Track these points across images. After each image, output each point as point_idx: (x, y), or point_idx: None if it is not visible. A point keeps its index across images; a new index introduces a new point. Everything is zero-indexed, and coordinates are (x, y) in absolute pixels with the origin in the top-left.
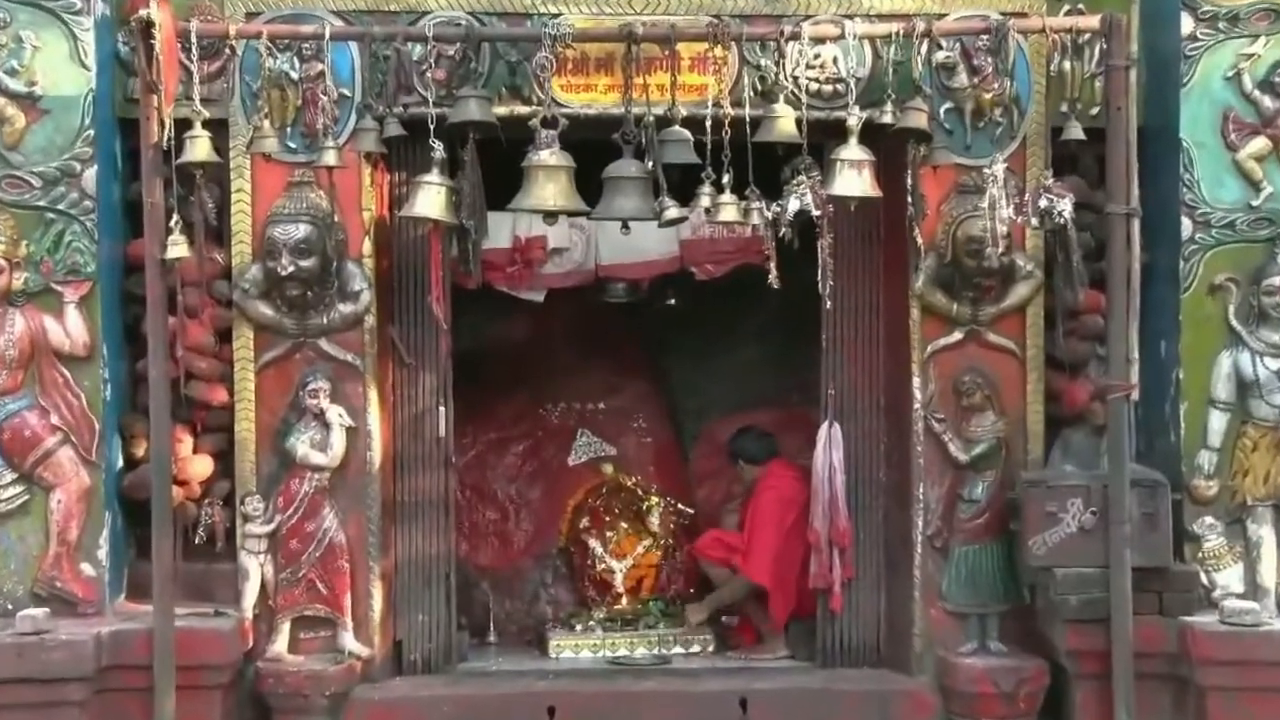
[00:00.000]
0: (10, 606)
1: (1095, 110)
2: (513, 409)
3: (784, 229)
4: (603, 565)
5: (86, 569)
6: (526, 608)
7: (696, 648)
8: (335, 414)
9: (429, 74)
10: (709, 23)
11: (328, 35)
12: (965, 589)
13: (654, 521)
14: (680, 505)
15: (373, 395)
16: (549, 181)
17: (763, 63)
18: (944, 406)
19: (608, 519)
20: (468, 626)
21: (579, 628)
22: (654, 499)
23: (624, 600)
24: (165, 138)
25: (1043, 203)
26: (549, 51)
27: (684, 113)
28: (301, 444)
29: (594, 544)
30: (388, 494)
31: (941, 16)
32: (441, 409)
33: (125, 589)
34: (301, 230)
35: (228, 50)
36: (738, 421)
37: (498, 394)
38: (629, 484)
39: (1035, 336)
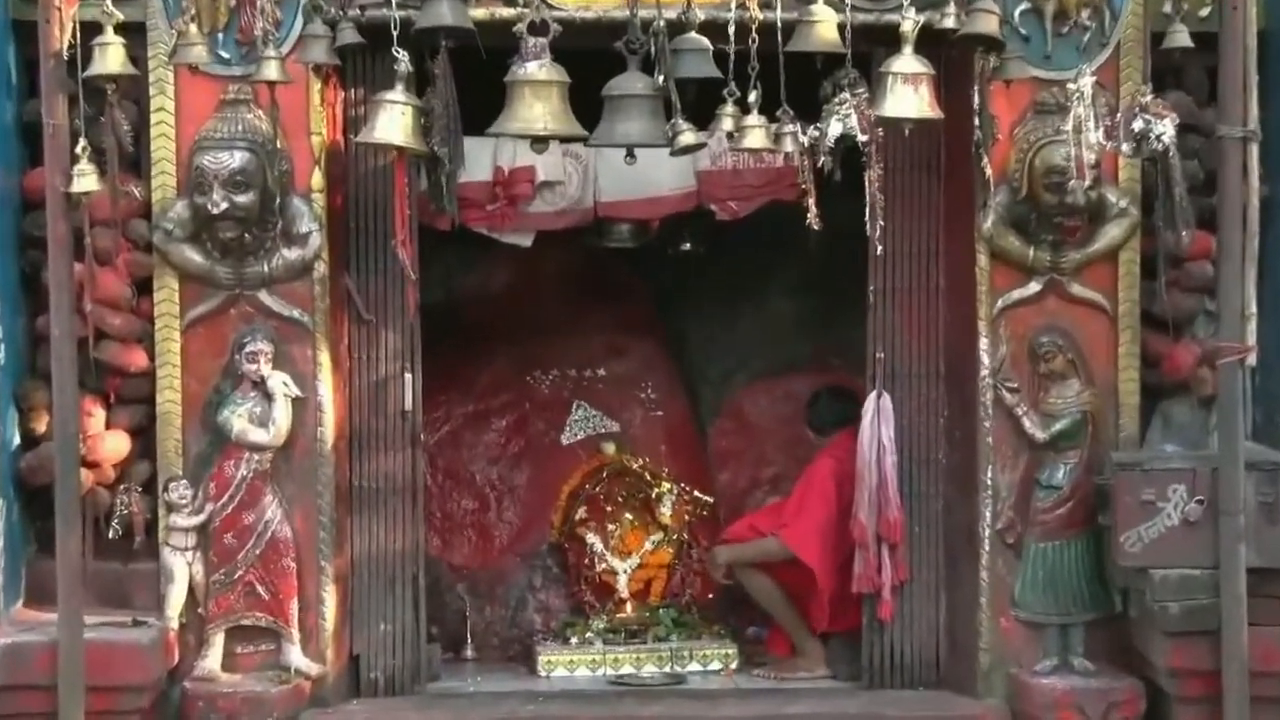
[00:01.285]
0: None
1: (1205, 11)
2: (494, 376)
3: (823, 158)
4: (603, 565)
5: None
6: (511, 616)
7: (716, 664)
8: (279, 382)
9: None
10: None
11: None
12: (1043, 594)
13: (665, 512)
14: (697, 493)
15: (324, 359)
16: (537, 100)
17: None
18: (1017, 373)
19: (609, 509)
20: (440, 638)
21: (574, 640)
22: (665, 485)
23: (629, 607)
24: (69, 45)
25: (1139, 125)
26: None
27: (701, 16)
28: (238, 418)
29: (593, 539)
30: (343, 478)
31: None
32: (408, 376)
33: (23, 593)
34: (237, 159)
35: None
36: (766, 390)
37: (476, 358)
38: (635, 467)
39: (1129, 288)
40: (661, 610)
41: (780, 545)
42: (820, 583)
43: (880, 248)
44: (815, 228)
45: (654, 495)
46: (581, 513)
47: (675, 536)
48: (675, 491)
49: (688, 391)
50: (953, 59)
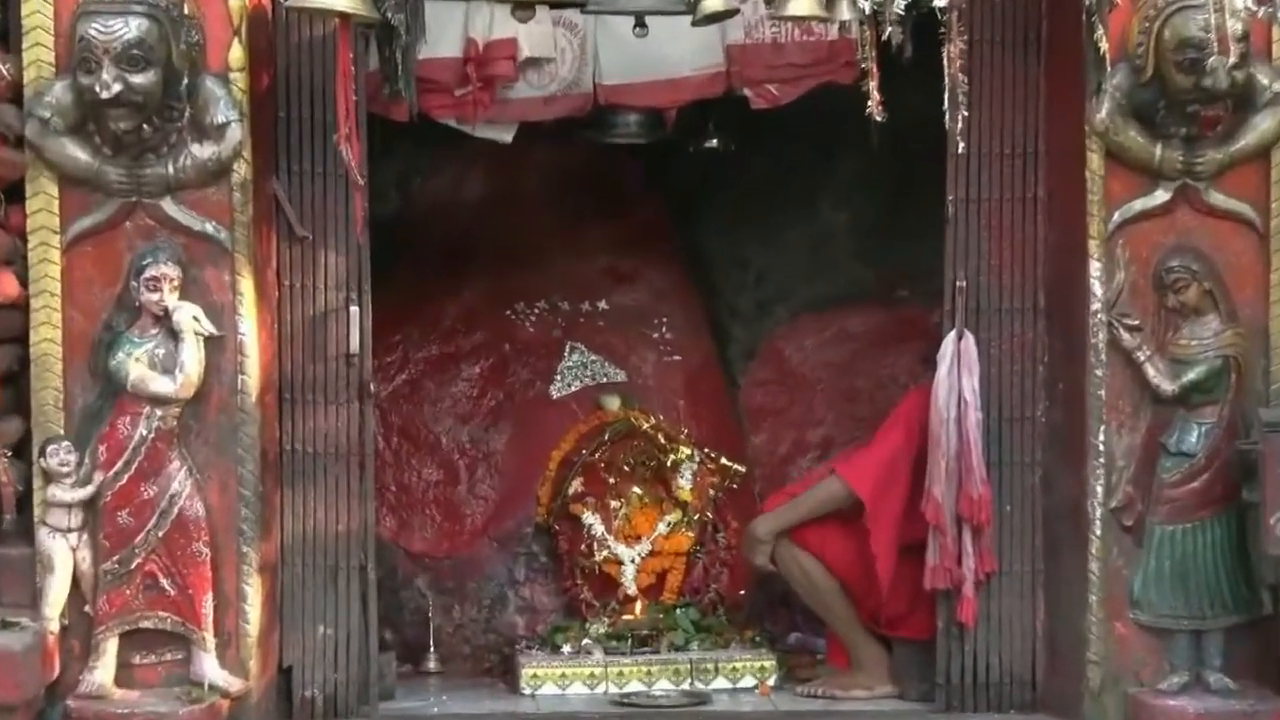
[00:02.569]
0: None
1: None
2: (465, 310)
3: (889, 29)
4: (604, 553)
5: None
6: (486, 618)
7: (749, 680)
8: (187, 316)
9: None
10: None
11: None
12: (1171, 591)
13: (684, 485)
14: (725, 460)
15: (246, 287)
16: None
17: None
18: (1139, 308)
19: (613, 482)
20: (396, 646)
21: (567, 649)
22: (684, 450)
23: (637, 607)
24: None
25: None
26: None
27: None
28: (135, 363)
29: (591, 520)
30: (271, 441)
31: None
32: (354, 309)
33: None
34: (133, 27)
35: None
36: (814, 328)
37: (442, 286)
38: (645, 427)
39: None
40: (679, 611)
41: (845, 488)
42: (874, 547)
43: (962, 145)
44: (878, 119)
45: (669, 463)
46: (577, 486)
47: (697, 516)
48: (697, 458)
49: (713, 330)
50: None
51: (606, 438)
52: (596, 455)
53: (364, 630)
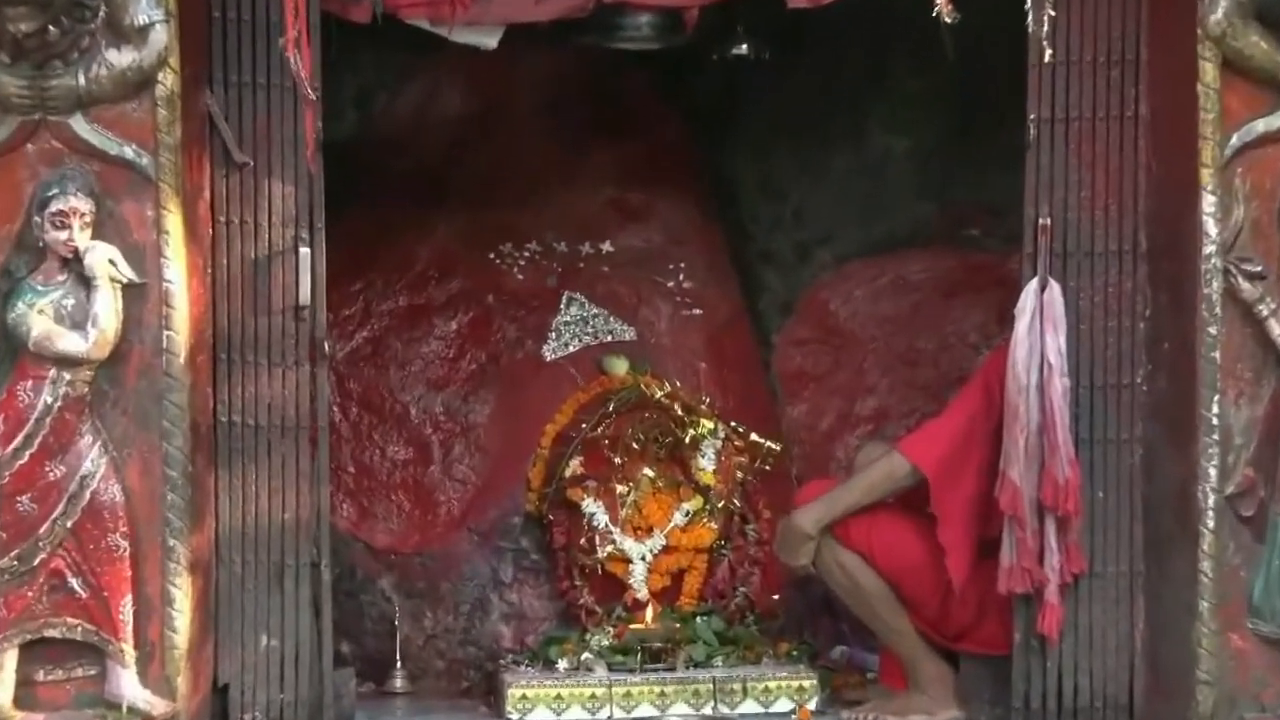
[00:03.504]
0: None
1: None
2: (439, 253)
3: None
4: (609, 549)
5: None
6: (465, 626)
7: (785, 703)
8: (102, 260)
9: None
10: None
11: None
12: None
13: (706, 466)
14: (756, 436)
15: (174, 225)
16: None
17: None
18: (1261, 251)
19: (619, 462)
20: (355, 660)
21: (563, 665)
22: (706, 424)
23: (648, 614)
24: None
25: None
26: None
27: None
28: (38, 316)
29: (592, 509)
30: (203, 411)
31: None
32: (304, 251)
33: None
34: None
35: None
36: (865, 275)
37: (411, 225)
38: (659, 395)
39: None
40: (700, 620)
41: (907, 466)
42: (944, 540)
43: (1048, 53)
44: (946, 20)
45: (688, 440)
46: (575, 467)
47: (721, 504)
48: (721, 434)
49: (742, 278)
50: None
51: (611, 409)
52: (599, 430)
53: (316, 641)
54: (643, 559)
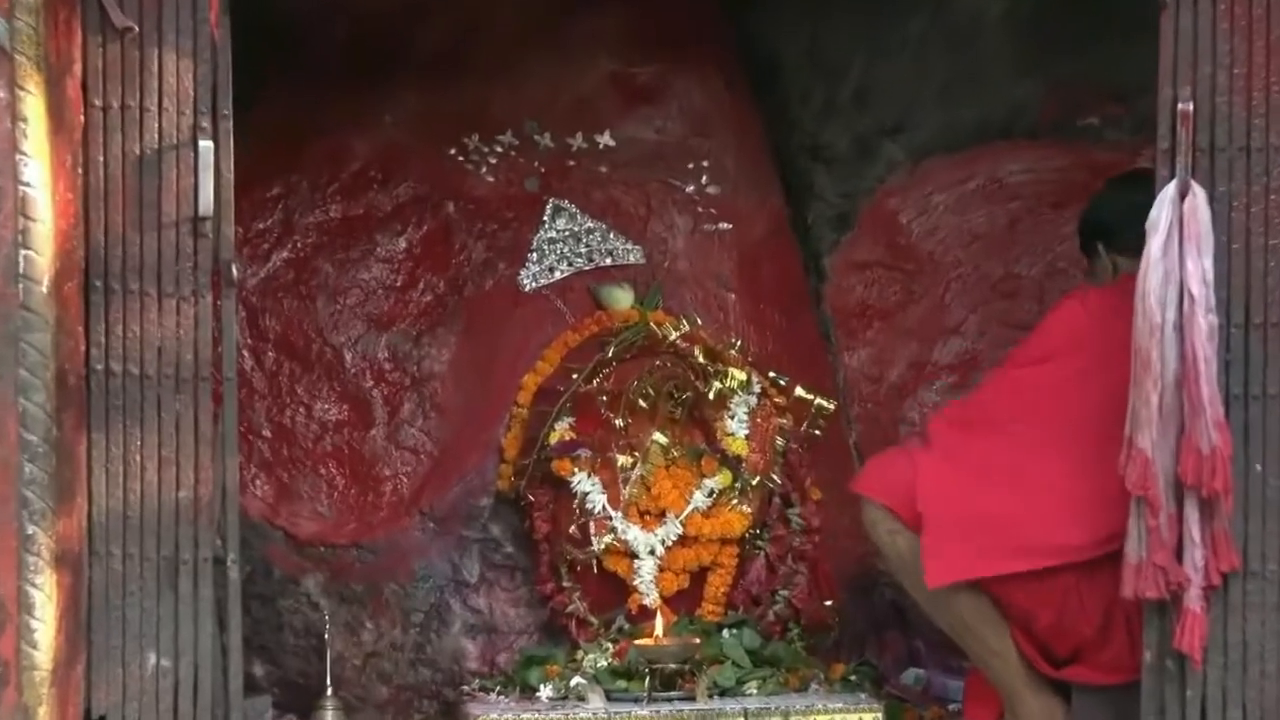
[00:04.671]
0: None
1: None
2: (383, 146)
3: None
4: (608, 539)
5: None
6: (417, 642)
7: None
8: None
9: None
10: None
11: None
12: None
13: (736, 430)
14: (802, 390)
15: (33, 111)
16: None
17: None
18: None
19: (623, 425)
20: (274, 686)
21: (547, 692)
22: (737, 374)
23: (659, 626)
24: None
25: None
26: None
27: None
28: None
29: (585, 485)
30: (72, 358)
31: None
32: (206, 146)
33: None
34: None
35: None
36: (949, 177)
37: (346, 109)
38: (674, 337)
39: None
40: (727, 633)
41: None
42: (929, 545)
43: None
44: None
45: (712, 395)
46: (563, 431)
47: (756, 481)
48: (757, 387)
49: (784, 181)
50: None
51: (611, 355)
52: (595, 383)
53: (220, 661)
54: (652, 553)
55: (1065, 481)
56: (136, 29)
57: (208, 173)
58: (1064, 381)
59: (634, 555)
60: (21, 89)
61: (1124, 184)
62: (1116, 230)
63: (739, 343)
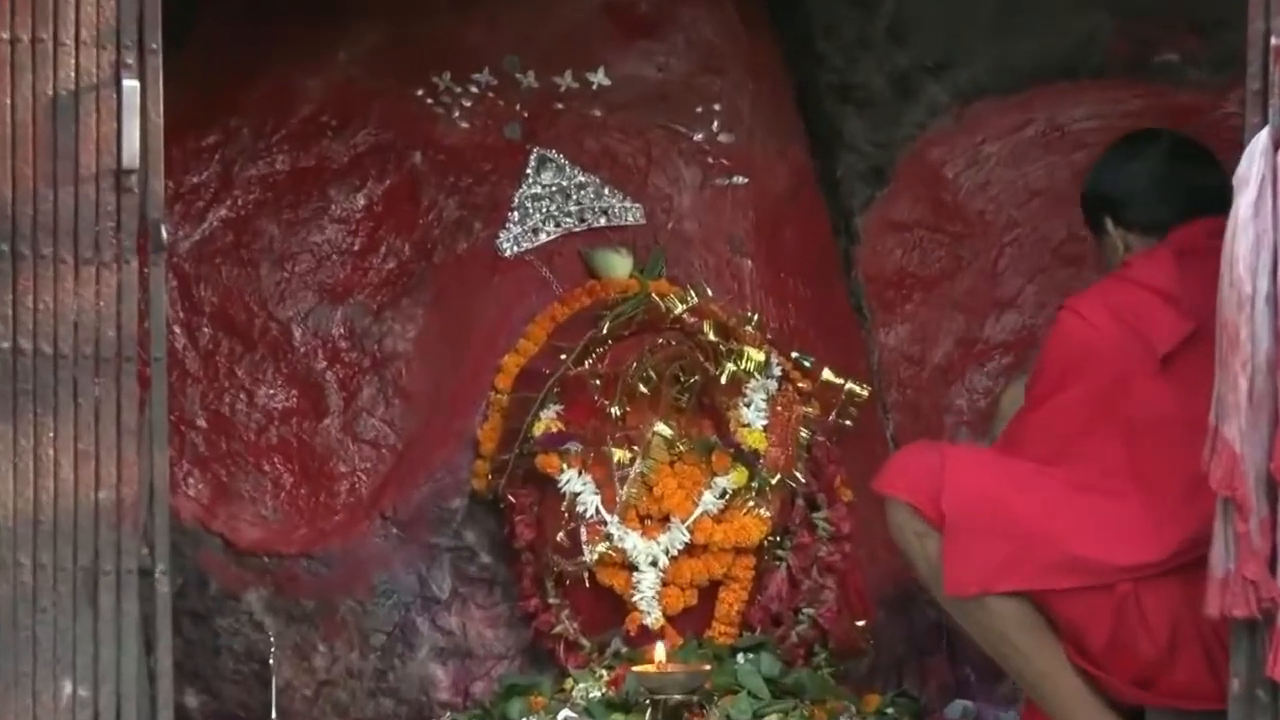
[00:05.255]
0: None
1: None
2: (337, 86)
3: None
4: (603, 548)
5: None
6: (377, 669)
7: None
8: None
9: None
10: None
11: None
12: None
13: (752, 419)
14: (830, 373)
15: None
16: None
17: None
18: None
19: (620, 414)
20: (207, 718)
21: None
22: (753, 354)
23: (661, 651)
24: None
25: None
26: None
27: None
28: None
29: (576, 485)
30: None
31: None
32: (131, 85)
33: None
34: None
35: None
36: (1000, 124)
37: (295, 43)
38: (681, 310)
39: None
40: (743, 659)
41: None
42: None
43: None
44: None
45: (725, 379)
46: (550, 422)
47: (777, 479)
48: (777, 369)
49: (811, 126)
50: None
51: (606, 332)
52: (587, 365)
53: (147, 688)
54: (654, 564)
55: (1113, 502)
56: None
57: (133, 117)
58: (1094, 401)
59: (633, 567)
60: None
61: (1132, 147)
62: (1126, 202)
63: (756, 317)
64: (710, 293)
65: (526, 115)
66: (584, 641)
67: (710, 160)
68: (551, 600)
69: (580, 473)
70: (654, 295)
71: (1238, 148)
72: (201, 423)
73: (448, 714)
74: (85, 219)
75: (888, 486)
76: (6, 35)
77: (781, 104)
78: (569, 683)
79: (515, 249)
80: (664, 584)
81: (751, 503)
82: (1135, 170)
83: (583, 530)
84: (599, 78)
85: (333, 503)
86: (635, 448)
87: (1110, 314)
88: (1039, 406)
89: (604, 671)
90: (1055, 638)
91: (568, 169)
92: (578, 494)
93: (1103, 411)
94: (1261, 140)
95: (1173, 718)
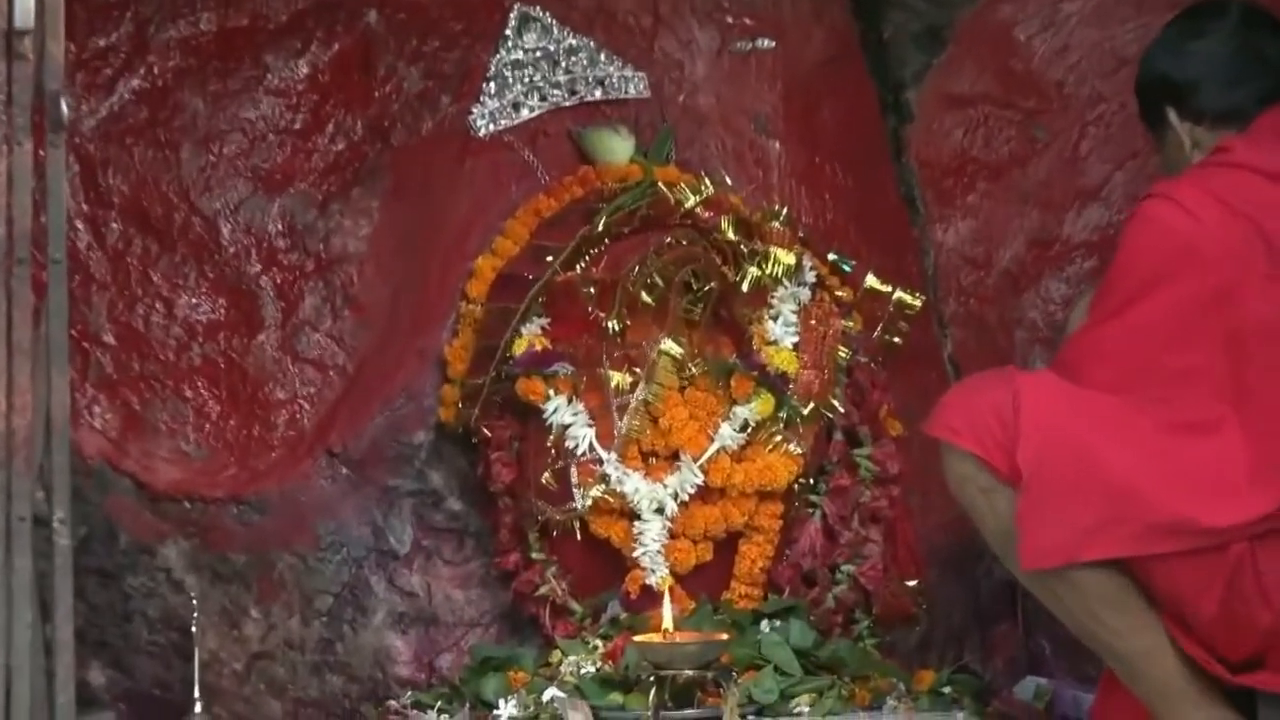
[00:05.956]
0: None
1: None
2: None
3: None
4: (597, 491)
5: None
6: (323, 637)
7: None
8: None
9: None
10: None
11: None
12: None
13: (780, 335)
14: (874, 280)
15: None
16: None
17: None
18: None
19: (617, 328)
20: (121, 699)
21: (509, 708)
22: (781, 257)
23: (669, 616)
24: None
25: None
26: None
27: None
28: None
29: (566, 415)
30: None
31: None
32: None
33: None
34: None
35: None
36: None
37: None
38: (692, 203)
39: None
40: (768, 626)
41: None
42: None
43: None
44: None
45: (746, 285)
46: (534, 335)
47: (810, 409)
48: (812, 274)
49: None
50: None
51: (602, 229)
52: (580, 268)
53: (43, 662)
54: (660, 512)
55: (1218, 442)
56: None
57: None
58: (1191, 311)
59: (634, 515)
60: None
61: (1195, 21)
62: (1192, 87)
63: (785, 211)
64: (729, 181)
65: None
66: (574, 606)
67: (730, 19)
68: (535, 555)
69: (570, 400)
70: (660, 184)
71: None
72: (109, 339)
73: (408, 693)
74: None
75: (946, 430)
76: None
77: None
78: (556, 656)
79: (491, 128)
80: (672, 536)
81: (779, 437)
82: (1201, 49)
83: (573, 470)
84: None
85: (268, 436)
86: (637, 370)
87: (1217, 202)
88: (1114, 318)
89: (598, 642)
90: (1153, 611)
91: (555, 30)
92: (567, 426)
93: (1201, 324)
94: None
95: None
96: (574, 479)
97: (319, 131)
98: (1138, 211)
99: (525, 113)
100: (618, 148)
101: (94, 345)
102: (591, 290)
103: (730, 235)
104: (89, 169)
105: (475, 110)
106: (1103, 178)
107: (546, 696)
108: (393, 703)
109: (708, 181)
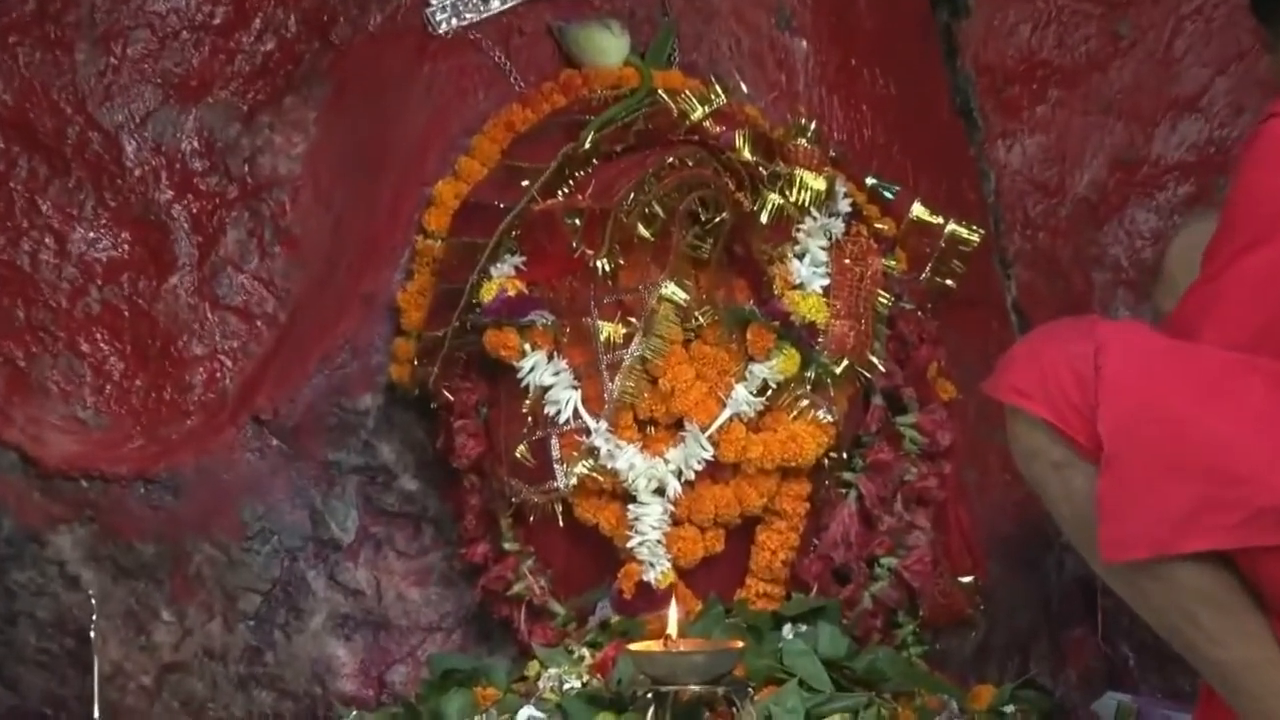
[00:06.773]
0: None
1: None
2: None
3: None
4: (584, 467)
5: None
6: (249, 645)
7: None
8: None
9: None
10: None
11: None
12: None
13: (808, 276)
14: (922, 209)
15: None
16: None
17: None
18: None
19: (608, 268)
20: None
21: None
22: (811, 182)
23: (672, 618)
24: None
25: None
26: None
27: None
28: None
29: (545, 375)
30: None
31: None
32: None
33: None
34: None
35: None
36: None
37: None
38: (699, 114)
39: None
40: (792, 631)
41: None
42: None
43: None
44: None
45: (765, 216)
46: (506, 277)
47: (843, 367)
48: (847, 203)
49: None
50: None
51: (590, 146)
52: (563, 195)
53: None
54: (660, 493)
55: None
56: None
57: None
58: None
59: (628, 497)
60: None
61: None
62: None
63: (813, 126)
64: (746, 89)
65: None
66: (555, 607)
67: None
68: (507, 546)
69: (550, 357)
70: (661, 92)
71: None
72: None
73: (353, 712)
74: None
75: (1012, 392)
76: None
77: None
78: (533, 667)
79: (454, 22)
80: (674, 522)
81: (805, 401)
82: None
83: (554, 442)
84: None
85: (183, 400)
86: (632, 320)
87: None
88: (1238, 261)
89: (585, 651)
90: (1262, 615)
91: None
92: (547, 389)
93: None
94: None
95: None
96: (555, 453)
97: (243, 27)
98: (1261, 133)
99: (496, 4)
100: (609, 47)
101: None
102: (577, 222)
103: (746, 155)
104: None
105: (434, 1)
106: (1201, 85)
107: (522, 717)
108: (341, 710)
109: (718, 89)
